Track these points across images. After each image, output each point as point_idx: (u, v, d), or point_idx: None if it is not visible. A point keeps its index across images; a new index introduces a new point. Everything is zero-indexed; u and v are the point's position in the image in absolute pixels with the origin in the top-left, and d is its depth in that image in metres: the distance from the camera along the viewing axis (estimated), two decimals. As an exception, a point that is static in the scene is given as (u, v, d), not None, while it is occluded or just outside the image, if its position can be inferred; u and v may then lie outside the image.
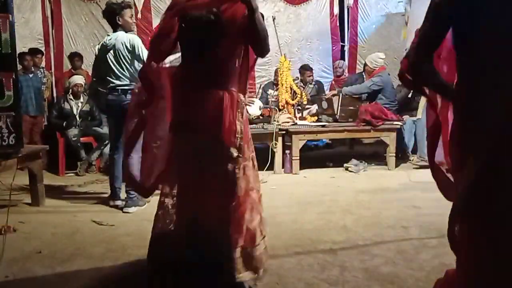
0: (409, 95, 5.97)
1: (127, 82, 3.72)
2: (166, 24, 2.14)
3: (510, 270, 1.33)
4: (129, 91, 3.63)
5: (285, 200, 4.02)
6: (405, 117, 5.64)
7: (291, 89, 5.61)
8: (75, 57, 6.50)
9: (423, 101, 5.25)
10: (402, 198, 3.97)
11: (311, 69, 6.56)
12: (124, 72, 3.72)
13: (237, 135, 2.08)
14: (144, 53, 3.60)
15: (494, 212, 1.35)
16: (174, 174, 2.21)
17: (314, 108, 5.89)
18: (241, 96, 2.15)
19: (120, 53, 3.69)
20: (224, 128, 2.04)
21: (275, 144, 5.07)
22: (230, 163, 2.08)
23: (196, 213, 2.14)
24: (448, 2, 1.43)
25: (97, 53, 3.96)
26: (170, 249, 2.15)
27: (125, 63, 3.71)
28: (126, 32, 3.75)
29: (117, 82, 3.73)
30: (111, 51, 3.72)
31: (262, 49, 2.16)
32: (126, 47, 3.67)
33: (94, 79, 4.31)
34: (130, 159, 2.72)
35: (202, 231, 2.11)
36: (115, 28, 3.78)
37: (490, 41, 1.35)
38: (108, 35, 3.87)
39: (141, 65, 3.35)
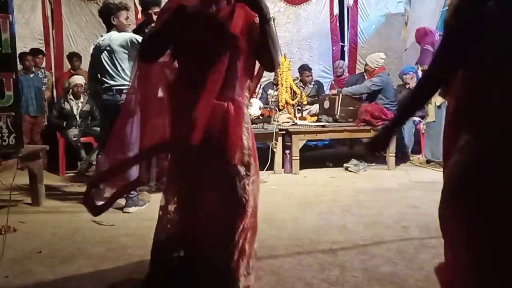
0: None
1: (122, 82, 3.68)
2: (163, 23, 1.92)
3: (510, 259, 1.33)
4: (124, 91, 3.59)
5: (285, 200, 4.02)
6: (405, 117, 5.62)
7: (291, 89, 5.62)
8: (74, 57, 6.50)
9: (433, 103, 5.19)
10: (402, 198, 3.97)
11: (310, 69, 6.54)
12: (118, 72, 3.71)
13: (244, 151, 1.93)
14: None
15: (491, 197, 1.35)
16: (172, 185, 2.12)
17: (315, 108, 5.90)
18: (245, 108, 1.99)
19: (114, 53, 3.68)
20: (229, 145, 1.88)
21: (275, 144, 5.07)
22: (238, 180, 1.93)
23: (198, 228, 2.05)
24: (453, 16, 1.44)
25: (91, 54, 3.96)
26: (171, 256, 2.11)
27: (120, 63, 3.70)
28: (119, 32, 3.75)
29: (112, 82, 3.71)
30: (105, 52, 3.71)
31: (273, 64, 1.97)
32: (123, 46, 3.66)
33: (90, 80, 4.31)
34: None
35: (204, 245, 2.02)
36: (109, 28, 3.79)
37: (498, 49, 1.36)
38: (102, 36, 3.87)
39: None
